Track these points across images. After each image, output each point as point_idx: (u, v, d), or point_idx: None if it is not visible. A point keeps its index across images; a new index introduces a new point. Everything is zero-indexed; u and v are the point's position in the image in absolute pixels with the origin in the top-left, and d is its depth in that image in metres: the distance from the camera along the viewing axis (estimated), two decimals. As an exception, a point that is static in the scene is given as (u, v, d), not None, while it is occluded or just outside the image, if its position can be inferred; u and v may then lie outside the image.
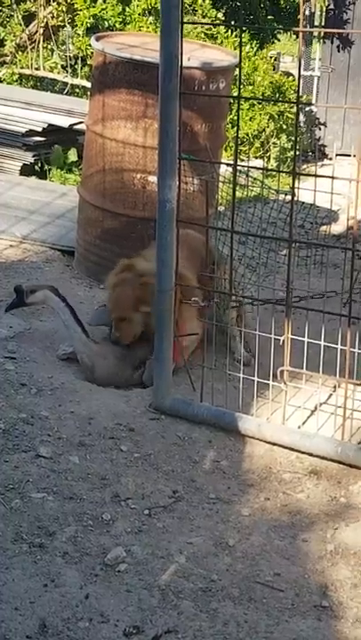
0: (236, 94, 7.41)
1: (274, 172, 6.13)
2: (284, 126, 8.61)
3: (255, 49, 9.13)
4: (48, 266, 5.43)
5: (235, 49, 7.79)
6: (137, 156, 4.97)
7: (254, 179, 3.99)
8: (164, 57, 3.39)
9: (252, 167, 5.02)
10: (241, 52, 3.33)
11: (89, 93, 5.41)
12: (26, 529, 2.87)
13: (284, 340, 3.46)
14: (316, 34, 9.58)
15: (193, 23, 8.49)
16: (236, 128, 3.24)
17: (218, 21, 8.80)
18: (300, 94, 6.75)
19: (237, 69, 4.96)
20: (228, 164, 4.28)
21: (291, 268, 3.37)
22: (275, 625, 2.56)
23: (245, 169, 4.28)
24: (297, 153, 8.66)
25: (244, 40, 9.16)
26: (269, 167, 7.49)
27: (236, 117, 7.81)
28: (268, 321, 3.70)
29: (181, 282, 3.63)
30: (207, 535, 2.95)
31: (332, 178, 3.27)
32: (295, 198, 3.27)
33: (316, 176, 3.33)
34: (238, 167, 3.50)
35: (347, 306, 3.80)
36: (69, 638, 2.45)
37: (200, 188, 4.52)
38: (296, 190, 3.25)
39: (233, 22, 9.44)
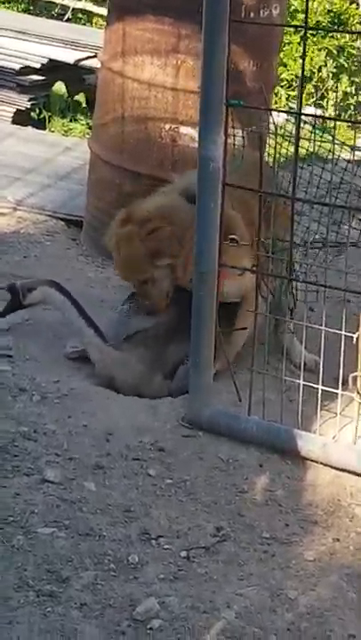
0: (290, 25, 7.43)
1: (333, 124, 6.14)
2: (346, 65, 8.60)
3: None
4: (49, 240, 5.47)
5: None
6: (165, 102, 4.99)
7: (320, 129, 3.96)
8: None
9: (320, 117, 5.00)
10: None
11: (106, 20, 5.40)
12: (32, 573, 2.88)
13: (357, 338, 3.46)
14: None
15: None
16: (301, 65, 3.22)
17: None
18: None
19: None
20: (290, 113, 4.26)
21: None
22: None
23: (311, 119, 4.26)
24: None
25: None
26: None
27: (286, 56, 7.88)
28: (336, 314, 3.70)
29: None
30: (262, 585, 2.96)
31: None
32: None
33: None
34: (303, 117, 3.49)
35: None
36: None
37: (248, 143, 4.52)
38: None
39: None
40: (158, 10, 4.90)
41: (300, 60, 8.24)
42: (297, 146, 3.45)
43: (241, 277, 3.88)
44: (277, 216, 3.66)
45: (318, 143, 4.10)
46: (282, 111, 4.64)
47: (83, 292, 4.84)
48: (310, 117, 4.42)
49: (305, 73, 8.29)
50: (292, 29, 7.81)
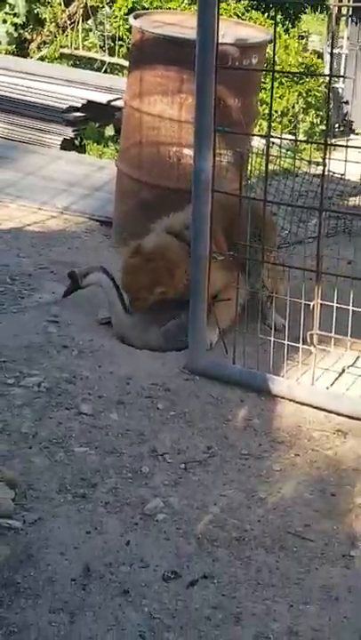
0: (262, 69, 7.37)
1: (304, 147, 6.11)
2: (313, 102, 8.54)
3: (286, 27, 9.04)
4: (87, 235, 5.44)
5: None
6: (172, 130, 4.94)
7: (287, 150, 3.95)
8: (202, 32, 3.37)
9: (284, 138, 4.98)
10: (276, 25, 3.29)
11: (128, 70, 5.36)
12: (69, 480, 2.91)
13: (313, 306, 3.45)
14: (344, 12, 9.45)
15: None
16: (270, 102, 3.21)
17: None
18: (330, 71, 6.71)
19: (270, 46, 4.96)
20: (261, 136, 4.24)
21: (321, 237, 3.36)
22: (305, 572, 2.59)
23: (278, 141, 4.24)
24: (327, 126, 8.61)
25: (279, 19, 9.07)
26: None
27: (265, 95, 7.80)
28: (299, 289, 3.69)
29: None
30: (240, 488, 2.97)
31: (363, 149, 3.25)
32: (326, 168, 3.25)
33: (347, 147, 3.30)
34: (271, 139, 3.48)
35: None
36: (111, 581, 2.49)
37: (233, 161, 4.49)
38: (327, 161, 3.22)
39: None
40: (166, 61, 4.85)
41: (278, 99, 8.21)
42: (267, 160, 3.44)
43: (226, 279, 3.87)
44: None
45: (287, 160, 4.07)
46: (255, 135, 4.58)
47: (113, 273, 4.84)
48: (283, 140, 4.40)
49: (282, 109, 8.25)
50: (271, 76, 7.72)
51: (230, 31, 4.99)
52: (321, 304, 3.47)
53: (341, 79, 9.58)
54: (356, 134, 9.48)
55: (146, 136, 5.03)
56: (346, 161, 3.35)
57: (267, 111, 8.01)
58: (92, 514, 2.75)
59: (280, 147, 3.85)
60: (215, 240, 3.69)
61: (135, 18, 5.15)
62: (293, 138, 7.03)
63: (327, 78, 9.01)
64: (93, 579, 2.50)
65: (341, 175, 3.92)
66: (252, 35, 5.10)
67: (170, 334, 3.93)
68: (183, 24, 5.19)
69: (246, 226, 3.62)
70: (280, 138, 4.68)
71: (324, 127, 8.54)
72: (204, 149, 3.47)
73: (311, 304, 3.46)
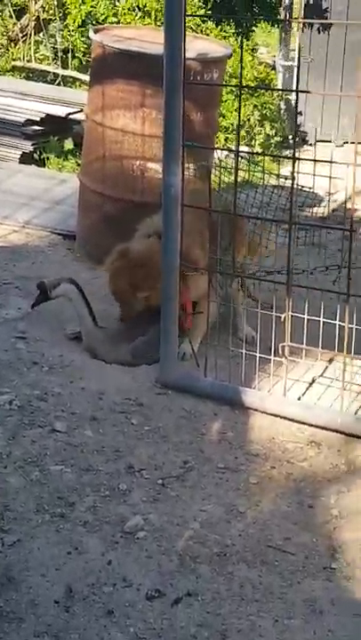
0: (229, 85, 7.40)
1: (260, 159, 6.13)
2: (268, 114, 8.56)
3: (240, 41, 9.05)
4: (51, 250, 5.38)
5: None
6: (135, 144, 4.91)
7: (249, 162, 3.94)
8: (169, 49, 3.35)
9: (254, 153, 5.01)
10: (243, 42, 3.29)
11: (88, 84, 5.33)
12: (46, 500, 2.86)
13: (284, 318, 3.45)
14: (295, 26, 9.49)
15: (196, 16, 8.39)
16: (238, 116, 3.19)
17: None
18: (283, 84, 6.67)
19: (229, 60, 4.97)
20: (230, 151, 4.23)
21: (291, 249, 3.35)
22: (288, 586, 2.57)
23: (246, 155, 4.24)
24: (281, 139, 8.65)
25: (228, 33, 9.09)
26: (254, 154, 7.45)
27: (223, 109, 7.82)
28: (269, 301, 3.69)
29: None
30: (219, 502, 2.95)
31: (331, 162, 3.25)
32: (295, 182, 3.26)
33: (315, 160, 3.30)
34: (240, 153, 3.47)
35: (338, 283, 3.86)
36: (95, 602, 2.45)
37: (197, 174, 4.48)
38: (296, 175, 3.23)
39: (220, 15, 9.34)
40: (128, 75, 4.81)
41: (234, 112, 8.21)
42: (236, 175, 3.43)
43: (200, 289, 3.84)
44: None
45: (255, 173, 4.06)
46: (223, 149, 4.58)
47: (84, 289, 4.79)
48: (246, 154, 4.40)
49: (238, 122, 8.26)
50: (229, 89, 7.71)
51: (190, 45, 4.97)
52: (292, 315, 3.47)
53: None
54: (310, 145, 9.53)
55: (109, 150, 4.99)
56: (314, 175, 3.35)
57: (225, 124, 8.06)
58: (71, 533, 2.71)
59: (249, 160, 3.84)
60: (191, 253, 3.67)
61: (95, 33, 5.12)
62: (261, 152, 7.05)
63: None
64: (76, 600, 2.45)
65: (310, 188, 3.92)
66: (211, 49, 5.10)
67: (137, 351, 3.90)
68: (143, 38, 5.18)
69: (218, 239, 3.60)
70: (250, 153, 4.68)
71: (279, 139, 8.57)
72: (172, 164, 3.45)
73: (282, 316, 3.45)
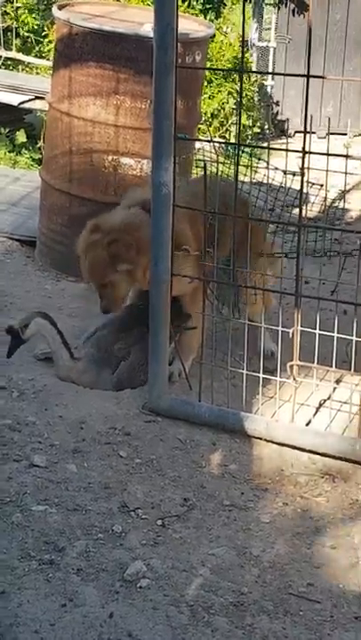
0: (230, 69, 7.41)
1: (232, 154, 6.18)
2: (244, 102, 8.63)
3: (210, 18, 9.14)
4: (8, 258, 5.37)
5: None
6: (108, 136, 4.94)
7: (251, 155, 3.96)
8: (159, 28, 3.37)
9: (253, 146, 5.02)
10: (244, 16, 3.33)
11: (52, 68, 5.33)
12: (31, 545, 2.84)
13: (293, 332, 3.47)
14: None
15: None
16: (239, 104, 3.22)
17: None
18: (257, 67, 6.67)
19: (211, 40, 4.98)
20: (230, 144, 4.25)
21: (300, 255, 3.39)
22: (317, 639, 2.58)
23: (249, 148, 4.28)
24: (262, 130, 8.72)
25: (196, 10, 9.19)
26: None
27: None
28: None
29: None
30: (229, 545, 2.95)
31: (346, 157, 3.30)
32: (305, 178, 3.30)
33: (328, 155, 3.33)
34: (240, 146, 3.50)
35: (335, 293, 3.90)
36: (98, 662, 2.44)
37: (178, 169, 4.52)
38: (306, 171, 3.27)
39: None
40: (100, 58, 4.84)
41: (208, 100, 8.29)
42: (236, 171, 3.46)
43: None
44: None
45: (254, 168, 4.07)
46: (222, 142, 4.59)
47: (43, 302, 4.78)
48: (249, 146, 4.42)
49: (212, 110, 8.33)
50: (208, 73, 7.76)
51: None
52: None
53: (270, 76, 9.72)
54: (289, 136, 9.63)
55: (77, 143, 5.01)
56: (308, 168, 3.36)
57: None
58: (64, 583, 2.69)
59: (251, 154, 3.87)
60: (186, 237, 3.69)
61: (59, 9, 5.13)
62: (262, 145, 7.09)
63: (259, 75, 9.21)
64: (77, 660, 2.44)
65: (321, 185, 3.97)
66: (192, 28, 5.14)
67: (123, 378, 3.90)
68: (112, 16, 5.22)
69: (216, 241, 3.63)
70: (249, 145, 4.68)
71: (257, 130, 8.66)
72: (164, 159, 3.46)
73: (290, 331, 3.47)
